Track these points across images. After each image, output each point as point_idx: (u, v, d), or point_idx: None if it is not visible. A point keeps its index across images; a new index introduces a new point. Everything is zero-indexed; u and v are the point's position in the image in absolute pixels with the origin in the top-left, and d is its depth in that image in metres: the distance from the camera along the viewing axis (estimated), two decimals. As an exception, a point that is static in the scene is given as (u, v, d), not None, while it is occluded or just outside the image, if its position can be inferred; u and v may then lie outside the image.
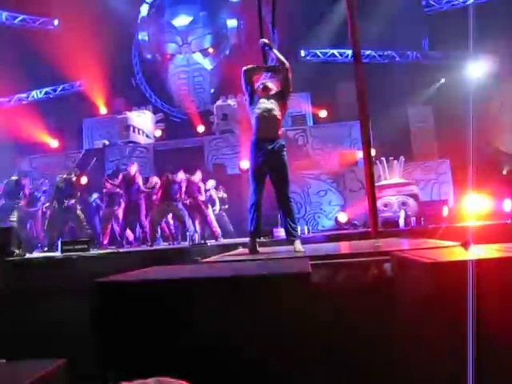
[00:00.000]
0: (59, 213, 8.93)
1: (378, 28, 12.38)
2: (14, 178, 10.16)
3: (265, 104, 4.80)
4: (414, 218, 9.24)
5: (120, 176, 9.07)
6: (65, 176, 9.32)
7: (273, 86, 4.95)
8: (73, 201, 9.04)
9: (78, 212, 9.12)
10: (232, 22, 15.36)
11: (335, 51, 14.80)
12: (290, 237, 4.68)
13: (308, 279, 2.36)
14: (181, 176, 8.81)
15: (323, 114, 14.13)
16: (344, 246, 5.08)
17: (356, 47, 6.54)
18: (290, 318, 2.26)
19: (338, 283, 3.16)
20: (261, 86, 4.97)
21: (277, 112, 4.77)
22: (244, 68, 4.94)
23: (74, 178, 9.29)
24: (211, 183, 9.95)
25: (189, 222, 8.76)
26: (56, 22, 16.46)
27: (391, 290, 2.90)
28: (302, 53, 14.90)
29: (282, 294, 2.30)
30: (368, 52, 14.08)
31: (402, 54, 14.50)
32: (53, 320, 5.37)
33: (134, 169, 8.92)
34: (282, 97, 4.85)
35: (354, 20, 6.51)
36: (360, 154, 9.07)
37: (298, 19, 13.98)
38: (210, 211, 9.32)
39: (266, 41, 4.99)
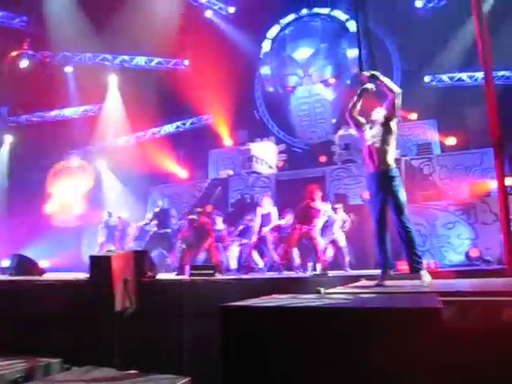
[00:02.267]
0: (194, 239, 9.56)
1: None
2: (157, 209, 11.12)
3: (371, 137, 4.75)
4: (560, 255, 8.31)
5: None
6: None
7: (379, 116, 4.86)
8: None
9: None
10: (352, 52, 15.35)
11: (463, 74, 14.09)
12: (415, 268, 4.51)
13: (439, 316, 2.25)
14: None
15: (451, 141, 13.37)
16: (476, 284, 4.75)
17: (487, 69, 6.19)
18: (417, 357, 2.16)
19: (469, 322, 2.96)
20: (369, 119, 4.94)
21: (384, 143, 4.68)
22: (349, 115, 4.98)
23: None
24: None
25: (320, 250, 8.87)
26: (186, 63, 17.78)
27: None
28: (427, 78, 14.41)
29: (409, 331, 2.21)
30: (501, 73, 13.18)
31: (542, 73, 13.35)
32: (181, 338, 5.67)
33: (266, 202, 9.30)
34: (388, 123, 4.74)
35: (485, 39, 6.17)
36: (493, 184, 8.43)
37: (422, 44, 13.61)
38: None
39: (369, 73, 4.92)
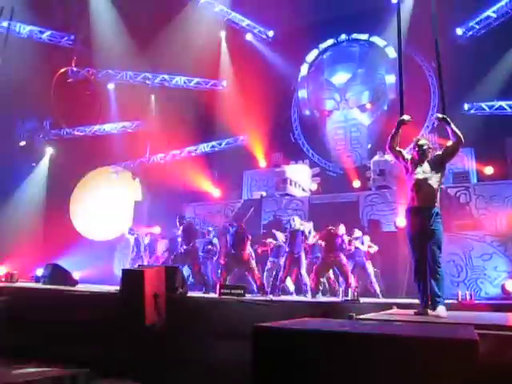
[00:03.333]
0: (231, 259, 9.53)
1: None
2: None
3: (421, 172, 4.79)
4: None
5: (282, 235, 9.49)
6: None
7: (430, 151, 4.92)
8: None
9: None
10: (390, 78, 15.32)
11: (503, 103, 13.83)
12: (434, 302, 4.52)
13: (475, 348, 2.19)
14: (342, 230, 8.96)
15: (489, 170, 13.06)
16: (513, 318, 4.60)
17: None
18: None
19: (506, 357, 2.87)
20: (416, 152, 4.96)
21: (433, 180, 4.73)
22: (389, 147, 5.04)
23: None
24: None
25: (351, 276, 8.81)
26: (224, 83, 18.05)
27: None
28: (466, 106, 14.21)
29: (444, 361, 2.16)
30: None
31: None
32: (208, 357, 5.65)
33: (297, 222, 9.26)
34: (440, 164, 4.81)
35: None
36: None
37: (461, 72, 13.48)
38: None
39: (441, 116, 5.00)
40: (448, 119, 4.87)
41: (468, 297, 8.20)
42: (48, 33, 16.28)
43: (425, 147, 4.89)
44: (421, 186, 4.75)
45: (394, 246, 10.03)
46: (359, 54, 16.37)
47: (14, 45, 13.86)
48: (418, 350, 2.23)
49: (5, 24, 13.43)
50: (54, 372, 5.95)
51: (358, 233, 9.93)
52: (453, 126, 4.78)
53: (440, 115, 5.00)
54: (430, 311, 4.60)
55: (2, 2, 12.27)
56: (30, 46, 15.43)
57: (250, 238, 9.54)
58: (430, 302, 4.64)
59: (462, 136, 4.72)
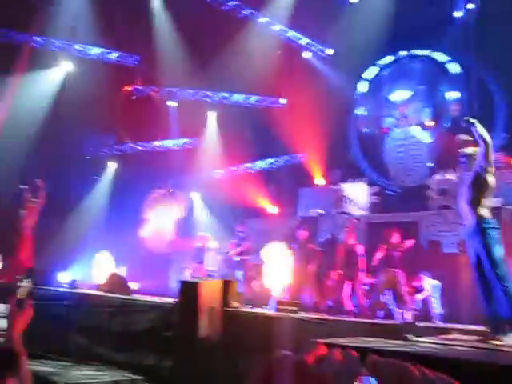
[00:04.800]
0: None
1: None
2: None
3: (465, 186, 4.65)
4: None
5: None
6: None
7: (469, 163, 4.74)
8: None
9: None
10: (453, 95, 14.91)
11: None
12: (501, 327, 4.22)
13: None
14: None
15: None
16: None
17: None
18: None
19: None
20: (461, 161, 4.84)
21: (477, 194, 4.51)
22: None
23: None
24: None
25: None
26: (283, 101, 18.19)
27: None
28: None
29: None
30: None
31: None
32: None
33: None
34: (480, 176, 4.59)
35: None
36: None
37: None
38: None
39: (467, 119, 4.80)
40: (476, 123, 4.61)
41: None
42: (116, 54, 17.10)
43: (466, 155, 4.75)
44: (465, 201, 4.63)
45: (455, 268, 9.59)
46: (419, 71, 16.03)
47: (85, 65, 14.82)
48: (476, 376, 2.13)
49: (77, 47, 14.33)
50: (113, 376, 6.17)
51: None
52: (478, 127, 4.55)
53: (470, 118, 4.78)
54: (497, 338, 4.29)
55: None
56: (97, 66, 16.26)
57: None
58: (498, 328, 4.33)
59: (486, 135, 4.49)
